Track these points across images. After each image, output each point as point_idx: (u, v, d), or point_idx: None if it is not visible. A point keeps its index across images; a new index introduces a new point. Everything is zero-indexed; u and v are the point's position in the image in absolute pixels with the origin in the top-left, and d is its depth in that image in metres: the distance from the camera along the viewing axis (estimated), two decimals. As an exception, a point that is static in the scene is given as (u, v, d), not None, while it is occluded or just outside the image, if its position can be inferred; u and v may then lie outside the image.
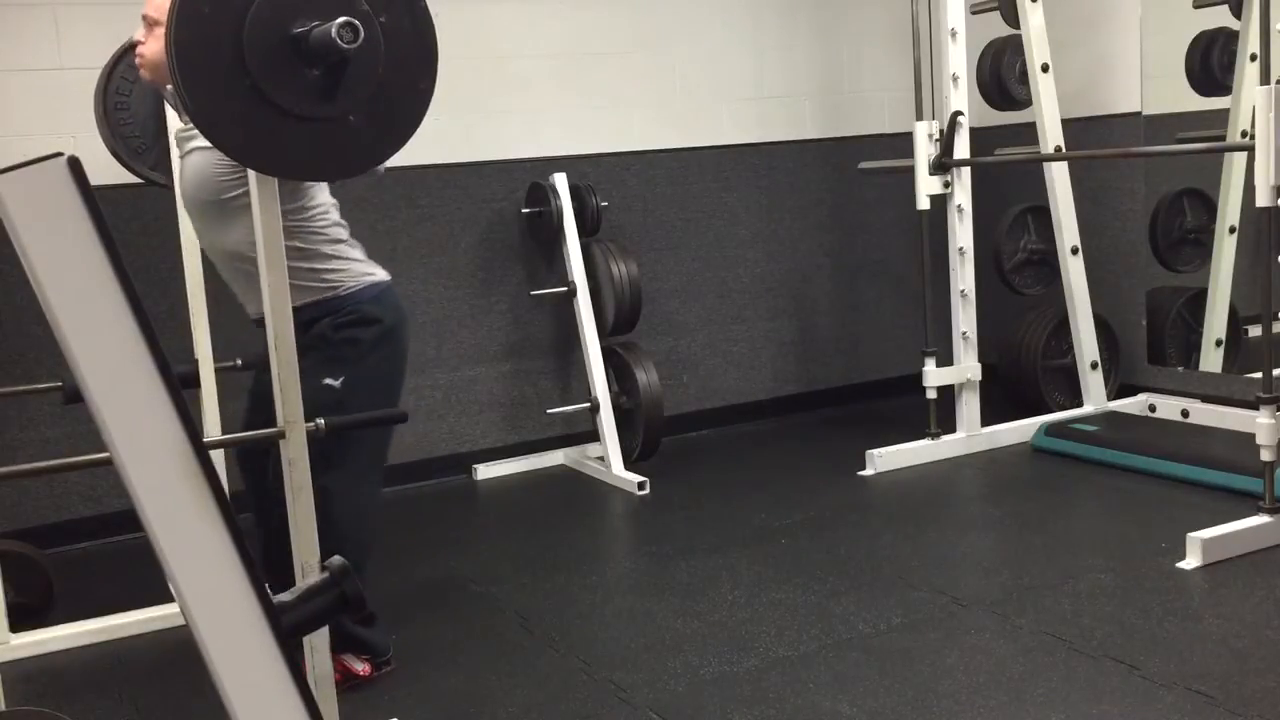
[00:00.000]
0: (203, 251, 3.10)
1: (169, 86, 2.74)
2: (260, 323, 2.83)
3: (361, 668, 2.84)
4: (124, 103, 3.19)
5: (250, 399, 2.99)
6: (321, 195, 2.82)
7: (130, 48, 3.07)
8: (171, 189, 3.25)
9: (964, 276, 4.53)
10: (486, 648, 3.04)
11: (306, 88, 1.99)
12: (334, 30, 1.88)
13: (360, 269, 2.85)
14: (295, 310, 2.74)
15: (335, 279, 2.79)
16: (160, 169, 3.29)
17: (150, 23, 2.72)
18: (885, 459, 4.37)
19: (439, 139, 4.45)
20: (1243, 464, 3.64)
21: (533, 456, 4.81)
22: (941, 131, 4.42)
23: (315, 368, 2.73)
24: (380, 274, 2.89)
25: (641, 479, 4.32)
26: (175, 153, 2.98)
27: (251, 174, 2.13)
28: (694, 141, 5.07)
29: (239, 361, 3.53)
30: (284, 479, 2.58)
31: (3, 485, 3.95)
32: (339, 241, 2.83)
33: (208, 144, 2.56)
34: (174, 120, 3.07)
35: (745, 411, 5.25)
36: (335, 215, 2.85)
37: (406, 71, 2.11)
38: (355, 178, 2.65)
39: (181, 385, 0.90)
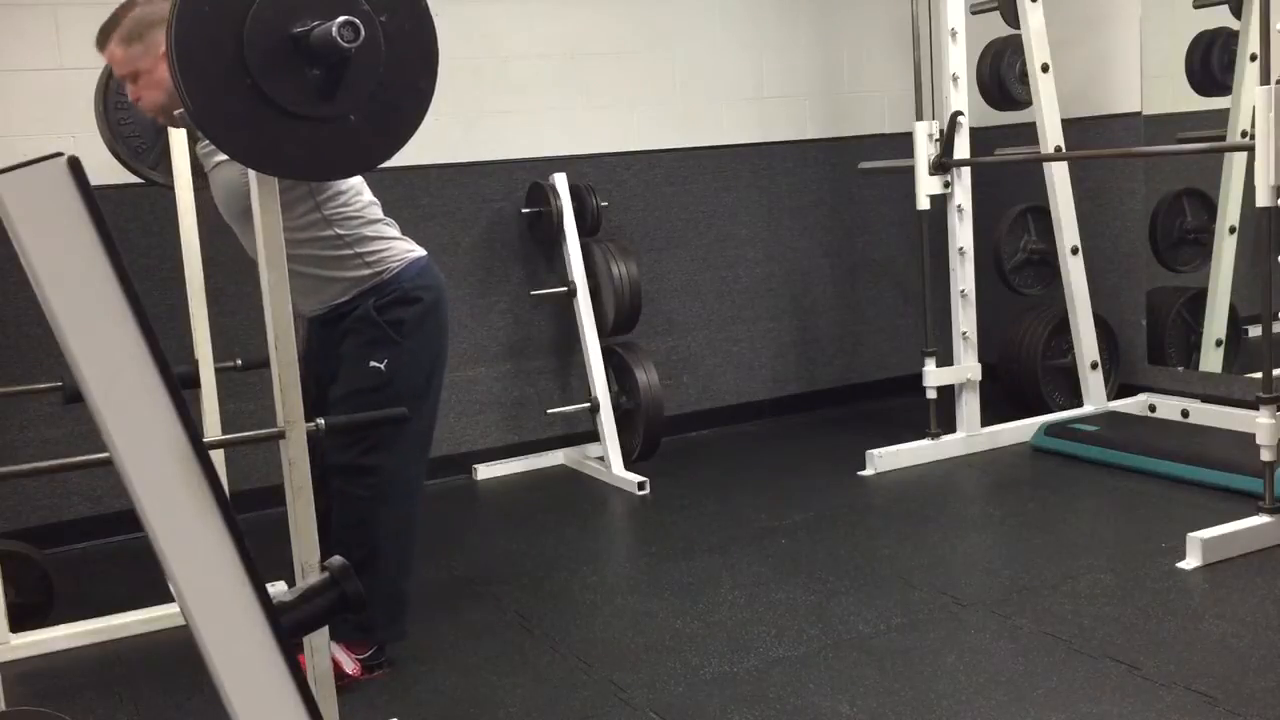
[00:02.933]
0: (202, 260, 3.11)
1: (178, 111, 2.75)
2: (315, 317, 2.89)
3: (351, 668, 2.84)
4: (124, 102, 3.19)
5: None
6: (356, 177, 2.83)
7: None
8: (172, 189, 3.25)
9: (964, 276, 4.53)
10: (486, 648, 3.04)
11: (307, 87, 1.99)
12: (334, 29, 1.88)
13: (402, 247, 2.88)
14: (341, 304, 2.80)
15: (380, 261, 2.82)
16: (160, 169, 3.29)
17: (132, 75, 2.71)
18: (885, 459, 4.37)
19: (439, 139, 4.46)
20: (1243, 464, 3.64)
21: (533, 456, 4.81)
22: (941, 131, 4.42)
23: (360, 350, 2.80)
24: (418, 249, 2.92)
25: (641, 479, 4.32)
26: (172, 160, 2.98)
27: (252, 176, 2.13)
28: (694, 141, 5.07)
29: (239, 361, 3.53)
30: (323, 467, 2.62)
31: (3, 485, 3.95)
32: (376, 221, 2.85)
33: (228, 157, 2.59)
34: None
35: (745, 411, 5.25)
36: (368, 194, 2.87)
37: (407, 71, 2.11)
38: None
39: (181, 385, 0.90)
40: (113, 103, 3.24)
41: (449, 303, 2.98)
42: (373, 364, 2.77)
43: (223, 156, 2.70)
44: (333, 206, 2.75)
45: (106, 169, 4.01)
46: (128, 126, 3.26)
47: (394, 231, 2.90)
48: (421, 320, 2.84)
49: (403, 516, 2.89)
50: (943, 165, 4.42)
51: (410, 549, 2.95)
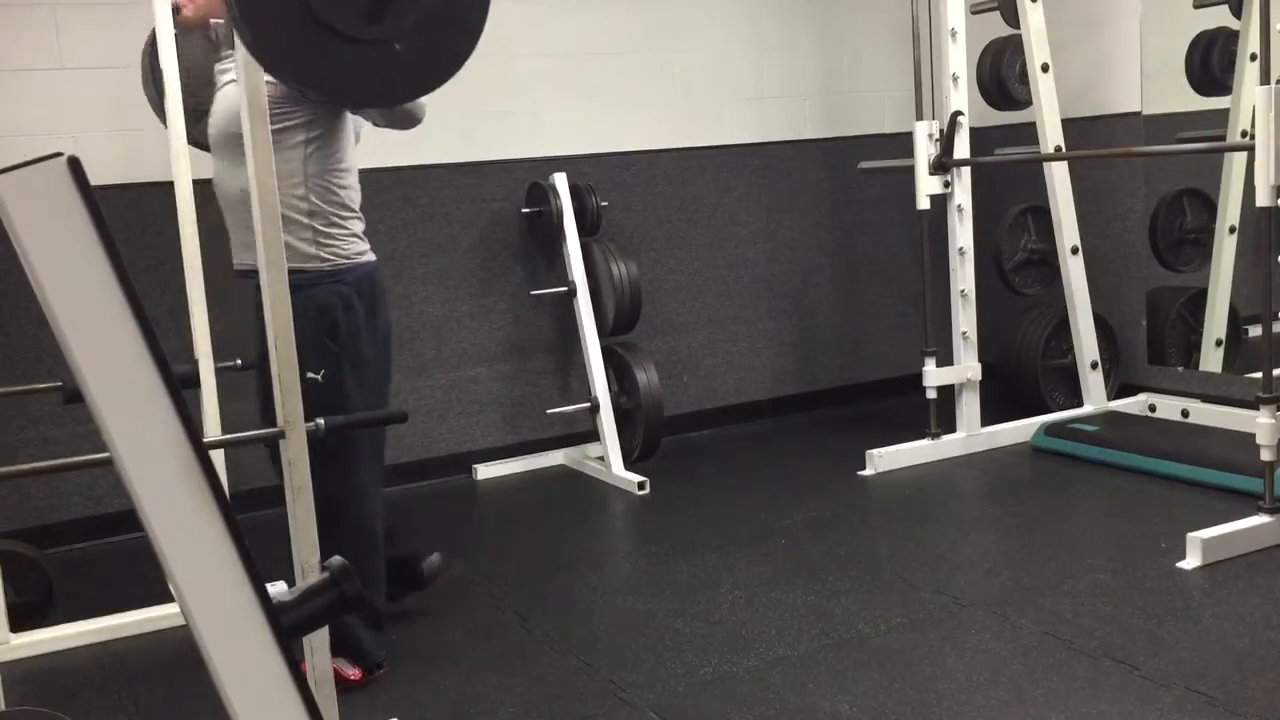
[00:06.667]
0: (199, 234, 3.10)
1: (214, 19, 2.77)
2: (242, 274, 2.83)
3: (352, 672, 2.83)
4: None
5: (269, 392, 2.99)
6: (351, 159, 2.81)
7: (175, 12, 3.09)
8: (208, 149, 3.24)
9: (964, 276, 4.53)
10: (486, 648, 3.04)
11: (354, 5, 1.99)
12: None
13: (358, 246, 2.83)
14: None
15: (331, 248, 2.76)
16: (200, 129, 3.29)
17: None
18: (885, 459, 4.37)
19: (439, 139, 4.45)
20: (1243, 464, 3.64)
21: (533, 456, 4.81)
22: (941, 131, 4.42)
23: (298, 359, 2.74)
24: (371, 255, 2.87)
25: (641, 479, 4.32)
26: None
27: (252, 178, 2.12)
28: (694, 141, 5.07)
29: (239, 361, 3.53)
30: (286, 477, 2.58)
31: (3, 485, 3.95)
32: (349, 209, 2.81)
33: None
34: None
35: (745, 411, 5.25)
36: (356, 185, 2.84)
37: (458, 4, 2.12)
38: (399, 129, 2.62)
39: (181, 385, 0.90)
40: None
41: (390, 309, 2.93)
42: (309, 375, 2.63)
43: (234, 75, 2.68)
44: (318, 168, 2.71)
45: (106, 169, 4.02)
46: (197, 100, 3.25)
47: (359, 228, 2.85)
48: (359, 329, 2.77)
49: (364, 534, 2.84)
50: (943, 165, 4.42)
51: (379, 566, 2.91)
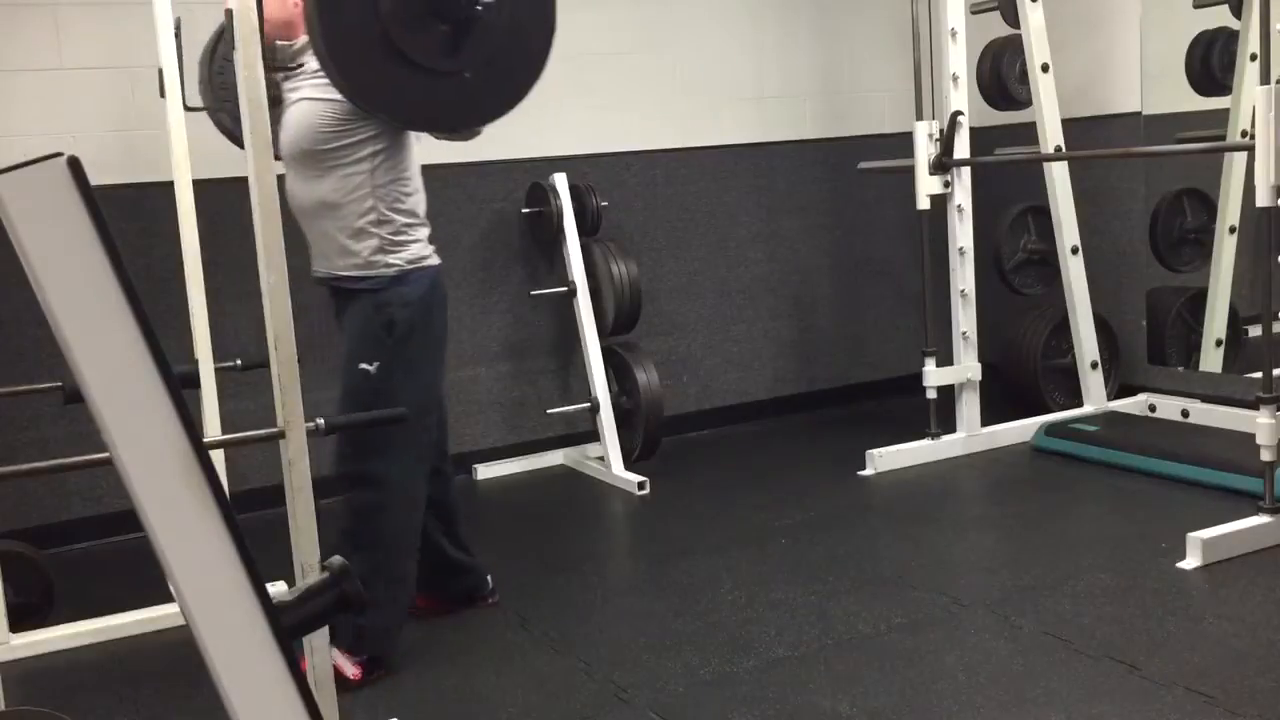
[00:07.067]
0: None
1: (280, 41, 2.86)
2: (321, 282, 2.94)
3: (352, 672, 2.84)
4: (226, 68, 3.20)
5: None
6: (415, 167, 2.88)
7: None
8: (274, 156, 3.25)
9: (964, 276, 4.53)
10: (486, 648, 3.04)
11: (433, 41, 2.02)
12: None
13: (422, 251, 2.90)
14: (349, 279, 2.83)
15: (396, 254, 2.83)
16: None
17: None
18: (885, 459, 4.37)
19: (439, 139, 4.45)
20: (1243, 464, 3.63)
21: (533, 456, 4.81)
22: (941, 131, 4.42)
23: (352, 346, 2.84)
24: (435, 259, 2.94)
25: (641, 479, 4.32)
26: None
27: (253, 191, 2.12)
28: (694, 141, 5.07)
29: (239, 361, 3.53)
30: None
31: (3, 485, 3.94)
32: (414, 216, 2.88)
33: (313, 96, 2.72)
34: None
35: (745, 411, 5.25)
36: (421, 190, 2.91)
37: (524, 35, 2.16)
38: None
39: (181, 385, 0.90)
40: (215, 69, 3.25)
41: (448, 315, 2.99)
42: (362, 365, 2.79)
43: (306, 93, 2.78)
44: (384, 178, 2.78)
45: (106, 169, 4.02)
46: (228, 91, 3.25)
47: (424, 234, 2.92)
48: (413, 328, 2.83)
49: (406, 529, 2.90)
50: (943, 165, 4.42)
51: (411, 563, 2.94)
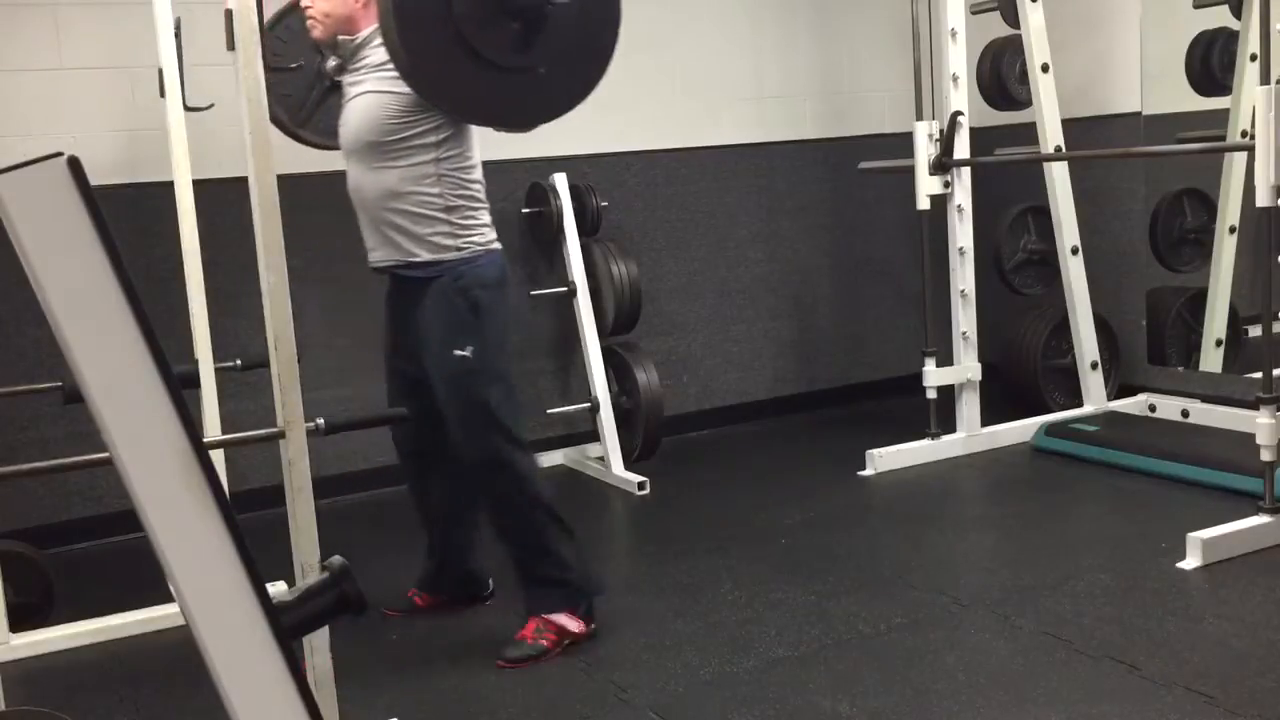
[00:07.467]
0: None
1: (342, 36, 2.90)
2: (377, 270, 2.98)
3: (576, 626, 2.94)
4: (280, 62, 3.20)
5: (399, 379, 3.11)
6: (477, 152, 2.92)
7: (291, 8, 3.16)
8: (325, 148, 3.25)
9: (964, 276, 4.53)
10: (486, 648, 3.04)
11: (506, 38, 2.03)
12: None
13: (489, 235, 2.95)
14: (418, 265, 2.86)
15: (466, 238, 2.88)
16: (310, 127, 3.32)
17: None
18: (885, 459, 4.37)
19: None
20: (1243, 464, 3.63)
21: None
22: (941, 131, 4.42)
23: (443, 334, 2.87)
24: (498, 243, 2.98)
25: (641, 479, 4.32)
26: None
27: (253, 191, 2.12)
28: (694, 141, 5.07)
29: (239, 361, 3.53)
30: (450, 498, 3.00)
31: (3, 485, 3.94)
32: (478, 199, 2.92)
33: (377, 88, 2.77)
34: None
35: (745, 411, 5.25)
36: (480, 174, 2.95)
37: (593, 30, 2.17)
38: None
39: (181, 385, 0.90)
40: (269, 63, 3.24)
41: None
42: (457, 352, 2.83)
43: (370, 86, 2.82)
44: (449, 165, 2.83)
45: (106, 169, 4.02)
46: (282, 86, 3.25)
47: (487, 218, 2.95)
48: (494, 306, 2.90)
49: (542, 496, 2.97)
50: (943, 165, 4.42)
51: (553, 531, 2.98)
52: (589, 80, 2.26)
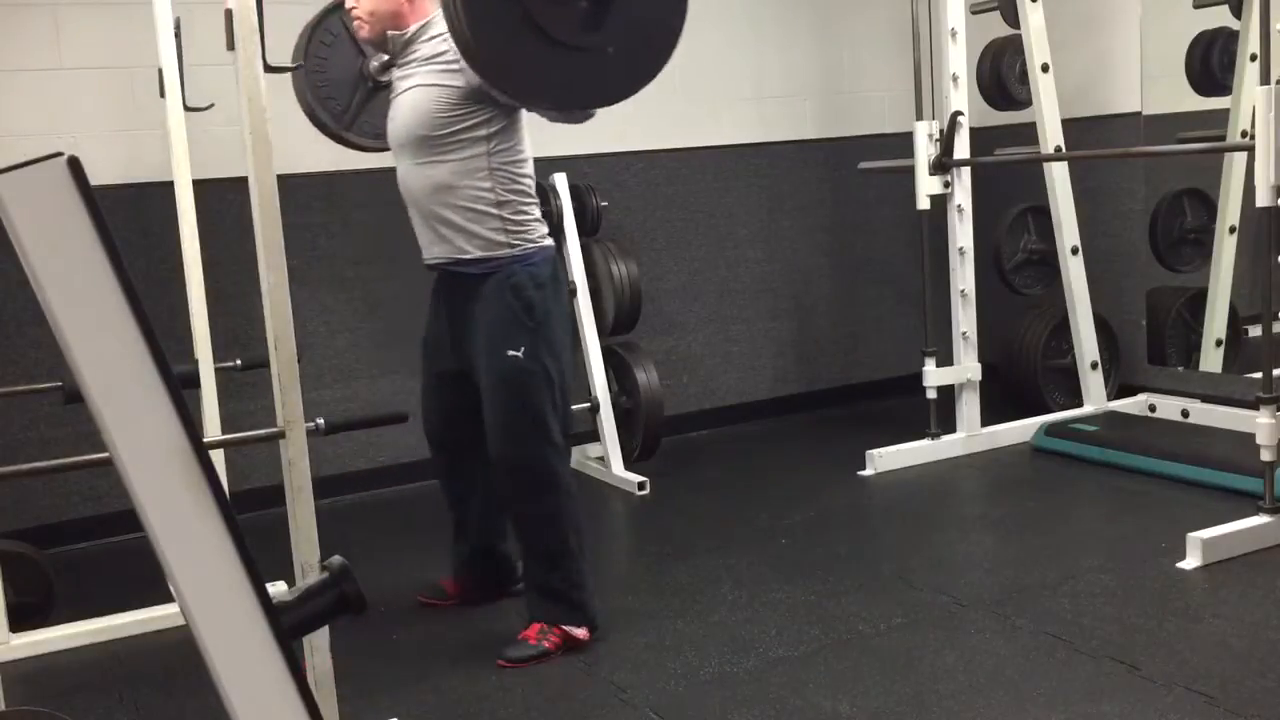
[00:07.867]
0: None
1: (391, 32, 2.88)
2: (431, 267, 2.96)
3: (581, 632, 2.94)
4: (322, 65, 3.18)
5: (437, 371, 3.13)
6: (528, 146, 2.90)
7: (334, 8, 3.13)
8: (368, 149, 3.23)
9: (964, 276, 4.53)
10: (487, 648, 3.04)
11: (575, 17, 2.01)
12: None
13: (541, 230, 2.93)
14: (470, 261, 2.84)
15: (518, 234, 2.86)
16: (355, 129, 3.28)
17: None
18: (885, 459, 4.37)
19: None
20: (1243, 464, 3.63)
21: (533, 456, 4.80)
22: (941, 131, 4.42)
23: (496, 333, 2.84)
24: (549, 239, 2.96)
25: (641, 479, 4.32)
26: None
27: (253, 191, 2.12)
28: (694, 141, 5.07)
29: (239, 361, 3.53)
30: (501, 500, 2.93)
31: (3, 485, 3.95)
32: (529, 195, 2.90)
33: (427, 82, 2.75)
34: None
35: (745, 411, 5.25)
36: (532, 168, 2.92)
37: (662, 11, 2.14)
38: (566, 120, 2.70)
39: (181, 385, 0.90)
40: (313, 65, 3.23)
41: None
42: (510, 352, 2.80)
43: (420, 80, 2.79)
44: (501, 160, 2.80)
45: (106, 169, 4.02)
46: (326, 89, 3.23)
47: (539, 213, 2.94)
48: (549, 306, 2.87)
49: (576, 505, 2.96)
50: (943, 165, 4.42)
51: (579, 535, 2.98)
52: (656, 62, 2.22)
